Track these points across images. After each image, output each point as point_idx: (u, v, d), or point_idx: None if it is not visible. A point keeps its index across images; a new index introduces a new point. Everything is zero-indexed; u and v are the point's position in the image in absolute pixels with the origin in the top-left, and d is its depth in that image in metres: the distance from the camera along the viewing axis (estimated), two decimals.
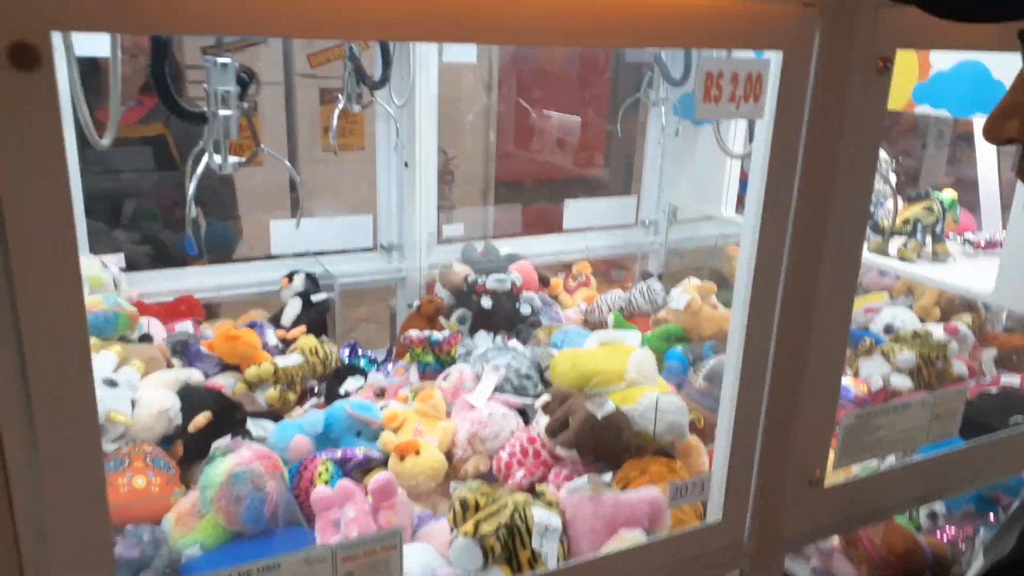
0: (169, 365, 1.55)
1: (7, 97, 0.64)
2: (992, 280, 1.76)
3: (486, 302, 1.90)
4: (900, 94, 2.02)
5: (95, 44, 1.37)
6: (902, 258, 2.03)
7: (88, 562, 0.79)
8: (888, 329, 1.95)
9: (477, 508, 1.13)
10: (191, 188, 1.34)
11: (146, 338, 1.63)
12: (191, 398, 1.38)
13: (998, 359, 1.95)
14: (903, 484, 1.39)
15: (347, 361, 1.78)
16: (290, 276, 1.94)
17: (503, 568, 1.10)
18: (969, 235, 2.21)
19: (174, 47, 1.87)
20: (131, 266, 1.88)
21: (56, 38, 0.65)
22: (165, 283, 1.91)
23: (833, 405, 1.22)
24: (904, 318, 1.97)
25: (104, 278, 1.67)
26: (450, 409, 1.49)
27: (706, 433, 1.45)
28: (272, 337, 1.75)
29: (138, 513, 1.14)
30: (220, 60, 1.29)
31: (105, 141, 1.27)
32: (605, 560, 1.11)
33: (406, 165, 2.10)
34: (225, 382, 1.55)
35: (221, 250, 2.36)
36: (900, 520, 1.60)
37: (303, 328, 1.79)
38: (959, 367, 1.80)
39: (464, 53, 2.30)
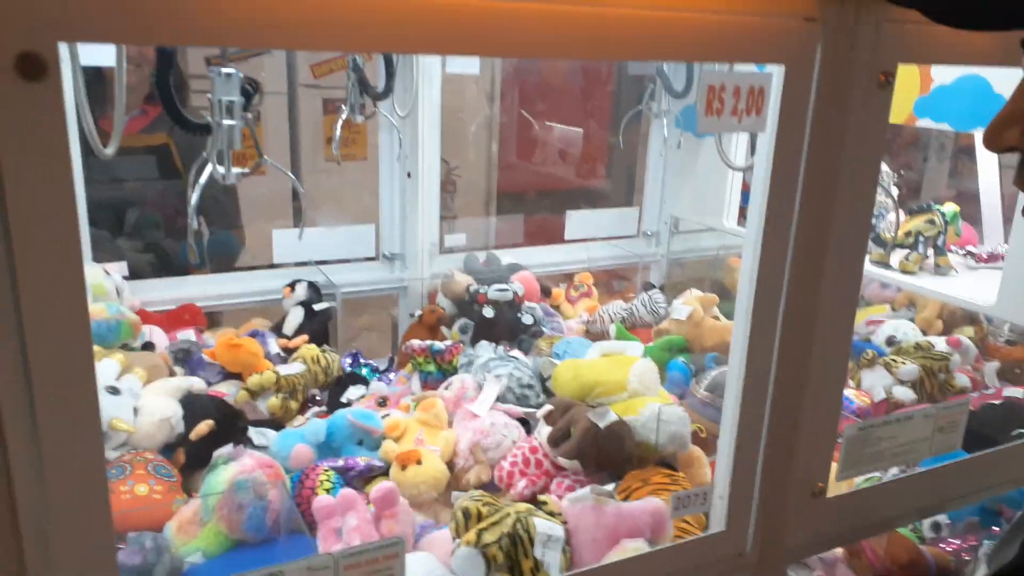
0: (171, 373, 1.56)
1: (14, 106, 0.64)
2: (994, 293, 1.76)
3: (488, 312, 1.91)
4: (902, 108, 2.03)
5: (100, 54, 1.38)
6: (904, 270, 2.04)
7: (91, 569, 0.79)
8: (890, 341, 1.96)
9: (479, 517, 1.12)
10: (194, 198, 1.35)
11: (148, 346, 1.63)
12: (193, 406, 1.39)
13: (1001, 371, 1.95)
14: (906, 496, 1.38)
15: (349, 370, 1.78)
16: (292, 285, 1.94)
17: None
18: (971, 248, 2.21)
19: (178, 57, 1.88)
20: (134, 274, 1.89)
21: (62, 48, 0.65)
22: (167, 291, 1.92)
23: (835, 416, 1.22)
24: (906, 330, 1.98)
25: (107, 286, 1.67)
26: (452, 419, 1.49)
27: (708, 444, 1.45)
28: (274, 346, 1.76)
29: (140, 520, 1.14)
30: (224, 71, 1.30)
31: (109, 150, 1.28)
32: (607, 570, 1.11)
33: (409, 175, 2.11)
34: (227, 390, 1.55)
35: (224, 259, 2.37)
36: (903, 531, 1.60)
37: (305, 337, 1.79)
38: (962, 379, 1.80)
39: (467, 65, 2.31)
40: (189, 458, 1.33)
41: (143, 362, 1.48)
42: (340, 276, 2.05)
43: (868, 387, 1.77)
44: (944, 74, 1.97)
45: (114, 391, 1.33)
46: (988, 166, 2.58)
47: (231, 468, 1.17)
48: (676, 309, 1.90)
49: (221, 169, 1.35)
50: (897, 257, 2.06)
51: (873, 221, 1.87)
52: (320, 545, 1.14)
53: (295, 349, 1.73)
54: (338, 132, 2.01)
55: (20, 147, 0.65)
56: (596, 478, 1.33)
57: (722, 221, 2.44)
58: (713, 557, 1.20)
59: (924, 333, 2.00)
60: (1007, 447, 1.46)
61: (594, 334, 2.02)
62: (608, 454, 1.33)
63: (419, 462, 1.32)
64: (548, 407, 1.42)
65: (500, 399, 1.51)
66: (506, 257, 2.24)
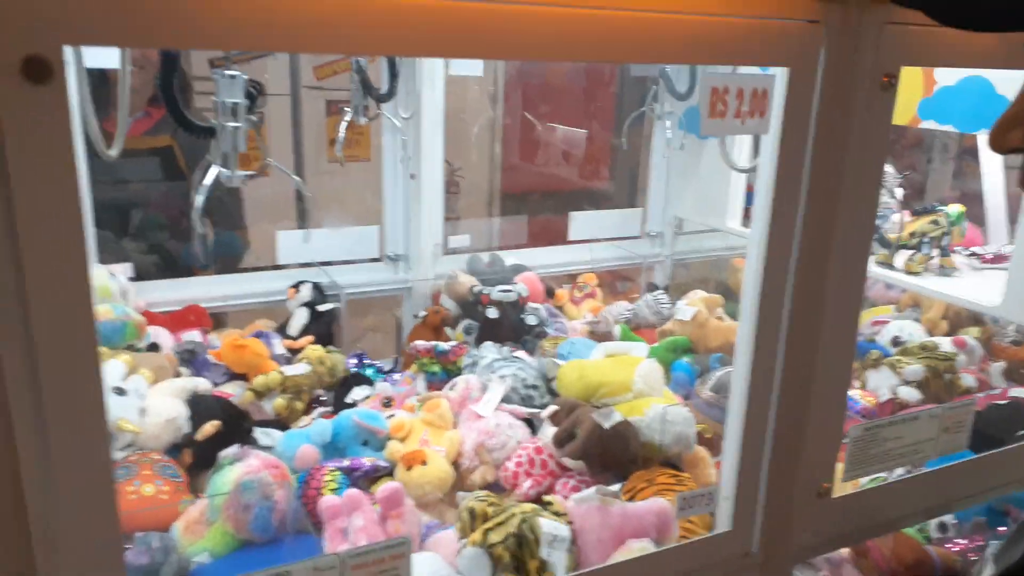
0: (177, 374, 1.56)
1: (20, 109, 0.64)
2: (999, 293, 1.76)
3: (492, 313, 1.91)
4: (905, 109, 2.03)
5: (104, 56, 1.39)
6: (909, 271, 2.03)
7: (99, 568, 0.79)
8: (896, 341, 1.96)
9: (485, 517, 1.13)
10: (199, 201, 1.35)
11: (154, 347, 1.63)
12: (199, 407, 1.39)
13: (1006, 372, 1.94)
14: (912, 496, 1.38)
15: (354, 371, 1.78)
16: (296, 286, 1.94)
17: None
18: (976, 249, 2.21)
19: (181, 58, 1.89)
20: (139, 276, 1.89)
21: (67, 51, 0.66)
22: (172, 292, 1.92)
23: (840, 416, 1.22)
24: (912, 330, 1.98)
25: (112, 288, 1.68)
26: (457, 419, 1.49)
27: (713, 444, 1.45)
28: (279, 346, 1.76)
29: (147, 521, 1.15)
30: (229, 73, 1.30)
31: (113, 152, 1.29)
32: (613, 570, 1.11)
33: (412, 177, 2.11)
34: (232, 391, 1.56)
35: (228, 260, 2.37)
36: (909, 531, 1.60)
37: (310, 338, 1.80)
38: (967, 379, 1.80)
39: (470, 66, 2.31)
40: (195, 458, 1.33)
41: (149, 363, 1.48)
42: (344, 277, 2.06)
43: (873, 387, 1.77)
44: (948, 75, 1.97)
45: (120, 392, 1.33)
46: (992, 167, 2.58)
47: (237, 468, 1.18)
48: (680, 310, 1.90)
49: (226, 172, 1.35)
50: (902, 258, 2.06)
51: (877, 222, 1.86)
52: (326, 545, 1.14)
53: (300, 350, 1.73)
54: (342, 134, 2.02)
55: (26, 149, 0.66)
56: (601, 478, 1.33)
57: (726, 222, 2.44)
58: (719, 557, 1.20)
59: (929, 333, 2.00)
60: (1013, 447, 1.46)
61: (598, 335, 2.02)
62: (613, 454, 1.33)
63: (424, 462, 1.32)
64: (553, 408, 1.42)
65: (505, 400, 1.52)
66: (510, 258, 2.24)
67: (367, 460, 1.34)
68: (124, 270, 1.83)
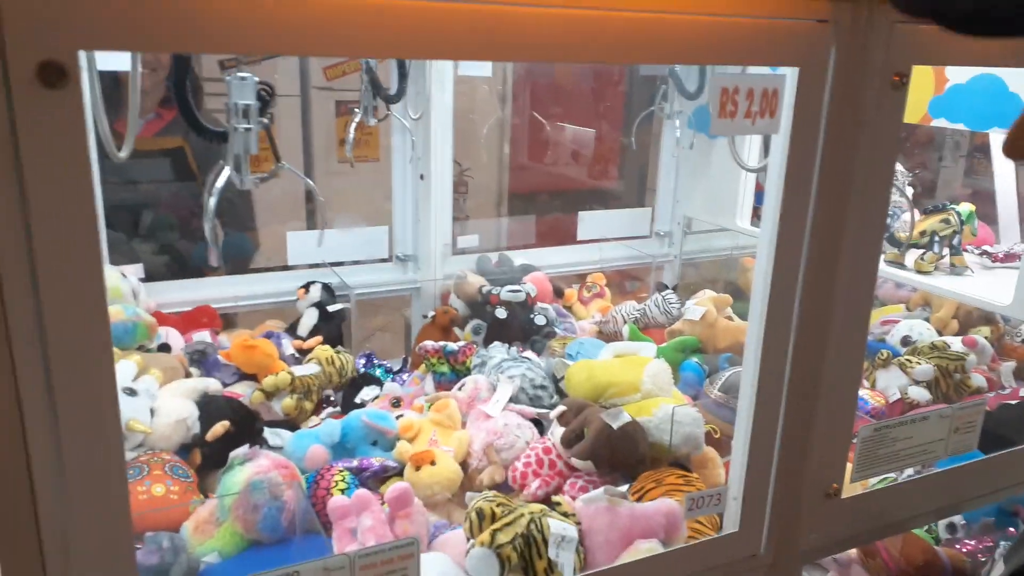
0: (187, 374, 1.57)
1: (36, 113, 0.65)
2: (1010, 292, 1.75)
3: (501, 313, 1.91)
4: (916, 107, 2.02)
5: (115, 58, 1.39)
6: (919, 270, 2.03)
7: (110, 568, 0.79)
8: (905, 341, 1.95)
9: (493, 518, 1.13)
10: (212, 204, 1.35)
11: (164, 348, 1.64)
12: (209, 407, 1.40)
13: (1017, 371, 1.93)
14: (921, 497, 1.38)
15: (363, 371, 1.79)
16: (306, 287, 1.95)
17: None
18: (987, 247, 2.20)
19: (192, 60, 1.89)
20: (150, 276, 1.90)
21: (81, 56, 0.66)
22: (183, 293, 1.93)
23: (850, 417, 1.22)
24: (921, 330, 1.97)
25: (123, 289, 1.69)
26: (465, 419, 1.50)
27: (722, 445, 1.45)
28: (289, 347, 1.77)
29: (157, 521, 1.15)
30: (240, 75, 1.30)
31: (123, 154, 1.29)
32: (621, 571, 1.11)
33: (422, 178, 2.11)
34: (242, 391, 1.56)
35: (238, 261, 2.38)
36: (919, 532, 1.59)
37: (319, 338, 1.80)
38: (978, 379, 1.79)
39: (479, 67, 2.31)
40: (205, 459, 1.34)
41: (159, 363, 1.49)
42: (354, 277, 2.06)
43: (883, 387, 1.77)
44: (958, 73, 1.96)
45: (131, 392, 1.34)
46: (1004, 165, 2.57)
47: (247, 469, 1.18)
48: (689, 310, 1.90)
49: (238, 175, 1.36)
50: (912, 257, 2.06)
51: (888, 221, 1.86)
52: (335, 545, 1.14)
53: (310, 350, 1.74)
54: (351, 134, 2.02)
55: (41, 152, 0.66)
56: (610, 479, 1.33)
57: (735, 221, 2.44)
58: (727, 558, 1.20)
59: (939, 333, 1.99)
60: (1023, 448, 1.46)
61: (607, 335, 2.02)
62: (622, 455, 1.33)
63: (433, 463, 1.33)
64: (561, 408, 1.43)
65: (513, 400, 1.52)
66: (518, 258, 2.25)
67: (376, 460, 1.35)
68: (135, 271, 1.84)
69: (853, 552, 1.58)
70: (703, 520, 1.23)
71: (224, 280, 2.03)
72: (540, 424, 1.50)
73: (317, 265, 2.06)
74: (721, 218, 2.49)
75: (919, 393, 1.72)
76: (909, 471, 1.42)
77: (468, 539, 1.14)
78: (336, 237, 2.05)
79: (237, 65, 1.37)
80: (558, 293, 2.20)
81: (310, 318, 1.87)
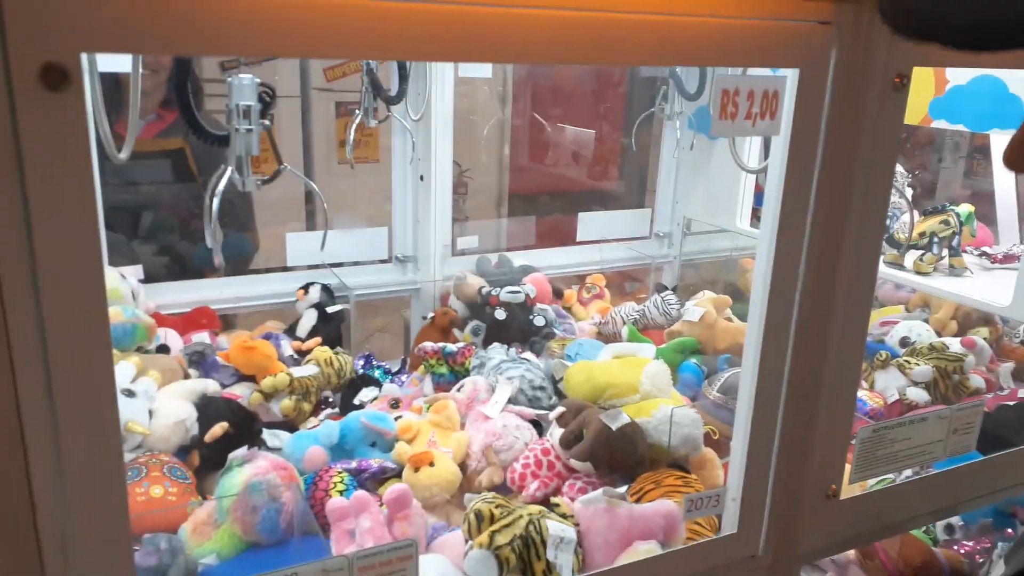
0: (186, 376, 1.57)
1: (38, 116, 0.65)
2: (1009, 294, 1.75)
3: (500, 314, 1.91)
4: (917, 108, 2.02)
5: (116, 60, 1.39)
6: (918, 271, 2.03)
7: (108, 569, 0.80)
8: (904, 342, 1.95)
9: (492, 520, 1.13)
10: (215, 205, 1.35)
11: (163, 349, 1.64)
12: (208, 408, 1.40)
13: (1016, 372, 1.94)
14: (920, 498, 1.38)
15: (362, 372, 1.79)
16: (305, 288, 1.95)
17: None
18: (986, 248, 2.20)
19: (193, 61, 1.90)
20: (149, 278, 1.90)
21: (83, 58, 0.66)
22: (182, 294, 1.93)
23: (849, 418, 1.22)
24: (920, 331, 1.97)
25: (123, 290, 1.69)
26: (464, 420, 1.50)
27: (721, 446, 1.45)
28: (288, 348, 1.77)
29: (155, 522, 1.15)
30: (242, 77, 1.31)
31: (123, 155, 1.29)
32: (620, 572, 1.11)
33: (421, 179, 2.11)
34: (241, 392, 1.56)
35: (237, 262, 2.38)
36: (917, 533, 1.59)
37: (318, 339, 1.80)
38: (976, 380, 1.79)
39: (480, 68, 2.32)
40: (204, 460, 1.34)
41: (158, 365, 1.49)
42: (353, 278, 2.06)
43: (882, 388, 1.77)
44: (959, 74, 1.96)
45: (130, 394, 1.34)
46: (1004, 167, 2.56)
47: (246, 470, 1.18)
48: (689, 311, 1.90)
49: (240, 177, 1.36)
50: (911, 258, 2.06)
51: (887, 222, 1.86)
52: (333, 547, 1.14)
53: (308, 351, 1.74)
54: (352, 136, 2.02)
55: (43, 155, 0.67)
56: (608, 480, 1.33)
57: (735, 222, 2.44)
58: (726, 559, 1.20)
59: (938, 334, 2.00)
60: (1022, 449, 1.46)
61: (606, 336, 2.02)
62: (620, 456, 1.33)
63: (432, 464, 1.33)
64: (560, 409, 1.43)
65: (512, 401, 1.52)
66: (518, 259, 2.25)
67: (375, 462, 1.35)
68: (135, 272, 1.84)
69: (851, 553, 1.58)
70: (702, 521, 1.23)
71: (223, 281, 2.03)
72: (539, 425, 1.50)
73: (316, 266, 2.06)
74: (721, 219, 2.49)
75: (918, 394, 1.72)
76: (907, 472, 1.42)
77: (467, 540, 1.14)
78: (336, 238, 2.05)
79: (238, 66, 1.37)
80: (557, 294, 2.20)
81: (309, 319, 1.87)
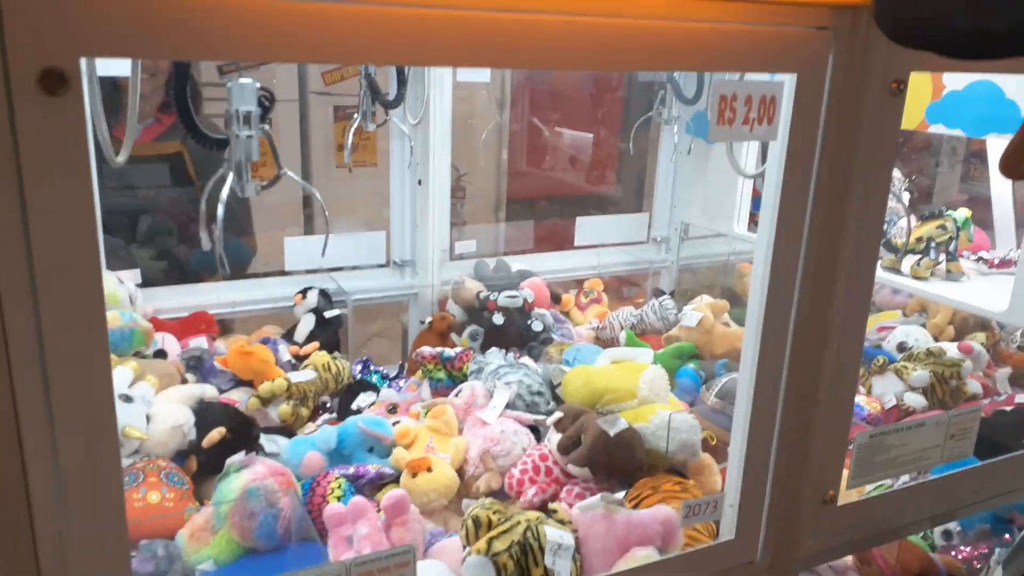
0: (183, 381, 1.56)
1: (37, 120, 0.65)
2: (1006, 299, 1.76)
3: (498, 319, 1.91)
4: (914, 113, 2.02)
5: (115, 64, 1.40)
6: (915, 276, 2.03)
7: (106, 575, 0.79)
8: (902, 347, 1.95)
9: (490, 525, 1.13)
10: (219, 212, 1.35)
11: (161, 354, 1.64)
12: (205, 413, 1.39)
13: (1013, 377, 1.94)
14: (917, 503, 1.38)
15: (359, 377, 1.79)
16: (303, 292, 1.95)
17: None
18: (983, 253, 2.20)
19: (192, 65, 1.90)
20: (146, 282, 1.90)
21: (82, 62, 0.66)
22: (180, 299, 1.93)
23: (847, 424, 1.22)
24: (918, 336, 1.97)
25: (120, 294, 1.68)
26: (462, 426, 1.50)
27: (719, 451, 1.45)
28: (285, 353, 1.76)
29: (152, 528, 1.15)
30: (241, 81, 1.30)
31: (120, 159, 1.29)
32: None
33: (420, 183, 2.11)
34: (239, 397, 1.56)
35: (235, 266, 2.38)
36: (914, 539, 1.59)
37: (316, 344, 1.80)
38: (973, 386, 1.79)
39: (478, 73, 2.31)
40: (201, 465, 1.34)
41: (156, 370, 1.49)
42: (351, 283, 2.06)
43: (879, 393, 1.77)
44: (956, 80, 1.96)
45: (127, 399, 1.34)
46: (1000, 174, 2.57)
47: (243, 475, 1.18)
48: (686, 315, 1.90)
49: (240, 182, 1.36)
50: (908, 263, 2.06)
51: (884, 227, 1.86)
52: (331, 553, 1.14)
53: (306, 356, 1.74)
54: (350, 140, 2.02)
55: (42, 159, 0.67)
56: (606, 486, 1.33)
57: (732, 227, 2.44)
58: (724, 565, 1.20)
59: (935, 339, 2.00)
60: (1019, 454, 1.46)
61: (604, 340, 2.02)
62: (618, 462, 1.33)
63: (429, 469, 1.32)
64: (558, 414, 1.42)
65: (510, 406, 1.52)
66: (516, 263, 2.24)
67: (372, 467, 1.35)
68: (132, 276, 1.84)
69: (849, 559, 1.58)
70: (700, 527, 1.23)
71: (221, 285, 2.03)
72: (537, 430, 1.49)
73: (314, 271, 2.06)
74: (718, 224, 2.49)
75: (915, 399, 1.72)
76: (905, 478, 1.42)
77: (464, 547, 1.14)
78: (334, 242, 2.04)
79: (236, 70, 1.37)
80: (555, 299, 2.20)
81: (307, 324, 1.87)
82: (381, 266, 2.17)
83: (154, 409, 1.36)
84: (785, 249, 1.08)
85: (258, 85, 1.34)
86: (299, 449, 1.37)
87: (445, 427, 1.45)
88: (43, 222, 0.68)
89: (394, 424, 1.46)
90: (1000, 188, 2.58)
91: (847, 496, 1.27)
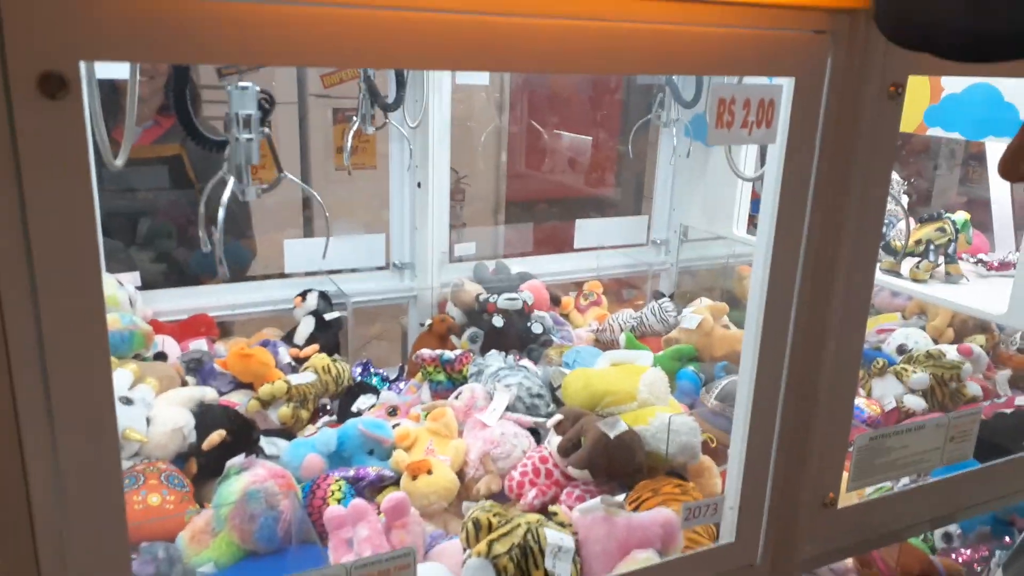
0: (183, 383, 1.57)
1: (36, 123, 0.65)
2: (1005, 301, 1.76)
3: (497, 321, 1.91)
4: (912, 116, 2.03)
5: (114, 66, 1.40)
6: (915, 279, 2.03)
7: None
8: (901, 349, 1.95)
9: (490, 528, 1.13)
10: (220, 216, 1.35)
11: (161, 356, 1.64)
12: (205, 416, 1.39)
13: (1012, 380, 1.94)
14: (917, 506, 1.38)
15: (359, 379, 1.79)
16: (303, 294, 1.95)
17: None
18: (982, 256, 2.20)
19: (191, 68, 1.89)
20: (146, 284, 1.90)
21: (81, 65, 0.67)
22: (179, 301, 1.93)
23: (846, 426, 1.22)
24: (917, 338, 1.97)
25: (120, 297, 1.68)
26: (462, 428, 1.50)
27: (719, 453, 1.45)
28: (285, 355, 1.76)
29: (152, 531, 1.15)
30: (242, 85, 1.30)
31: (119, 162, 1.29)
32: None
33: (419, 186, 2.12)
34: (239, 400, 1.56)
35: (235, 269, 2.38)
36: (915, 541, 1.59)
37: (316, 346, 1.80)
38: (973, 388, 1.79)
39: (477, 75, 2.32)
40: (201, 468, 1.34)
41: (156, 372, 1.49)
42: (351, 285, 2.06)
43: (879, 396, 1.77)
44: (954, 83, 1.97)
45: (127, 401, 1.34)
46: (999, 176, 2.57)
47: (243, 478, 1.18)
48: (686, 318, 1.90)
49: (241, 185, 1.36)
50: (908, 265, 2.06)
51: (883, 229, 1.87)
52: (331, 555, 1.14)
53: (306, 358, 1.74)
54: (349, 143, 2.03)
55: (41, 162, 0.67)
56: (606, 488, 1.33)
57: (732, 229, 2.44)
58: (724, 568, 1.20)
59: (935, 341, 2.00)
60: (1019, 456, 1.46)
61: (604, 343, 2.02)
62: (618, 464, 1.33)
63: (430, 472, 1.32)
64: (558, 417, 1.42)
65: (510, 408, 1.52)
66: (515, 266, 2.25)
67: (372, 469, 1.35)
68: (132, 279, 1.84)
69: (849, 562, 1.58)
70: (700, 530, 1.23)
71: (221, 288, 2.03)
72: (537, 433, 1.50)
73: (314, 273, 2.06)
74: (718, 226, 2.49)
75: (915, 402, 1.73)
76: (905, 480, 1.42)
77: (465, 549, 1.14)
78: (333, 245, 2.05)
79: (235, 73, 1.37)
80: (555, 301, 2.20)
81: (307, 326, 1.87)
82: (381, 268, 2.18)
83: (154, 412, 1.36)
84: (784, 251, 1.08)
85: (258, 88, 1.34)
86: (299, 451, 1.37)
87: (445, 429, 1.45)
88: (43, 224, 0.68)
89: (394, 426, 1.46)
90: (999, 190, 2.58)
91: (847, 499, 1.27)
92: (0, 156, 0.66)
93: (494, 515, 1.14)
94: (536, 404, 1.55)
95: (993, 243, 2.50)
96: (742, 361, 1.15)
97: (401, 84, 1.84)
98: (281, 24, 0.72)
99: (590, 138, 4.19)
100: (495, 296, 1.95)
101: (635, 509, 1.26)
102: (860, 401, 1.74)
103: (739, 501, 1.17)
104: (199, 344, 1.73)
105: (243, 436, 1.39)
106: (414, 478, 1.32)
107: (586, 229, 2.40)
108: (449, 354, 1.72)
